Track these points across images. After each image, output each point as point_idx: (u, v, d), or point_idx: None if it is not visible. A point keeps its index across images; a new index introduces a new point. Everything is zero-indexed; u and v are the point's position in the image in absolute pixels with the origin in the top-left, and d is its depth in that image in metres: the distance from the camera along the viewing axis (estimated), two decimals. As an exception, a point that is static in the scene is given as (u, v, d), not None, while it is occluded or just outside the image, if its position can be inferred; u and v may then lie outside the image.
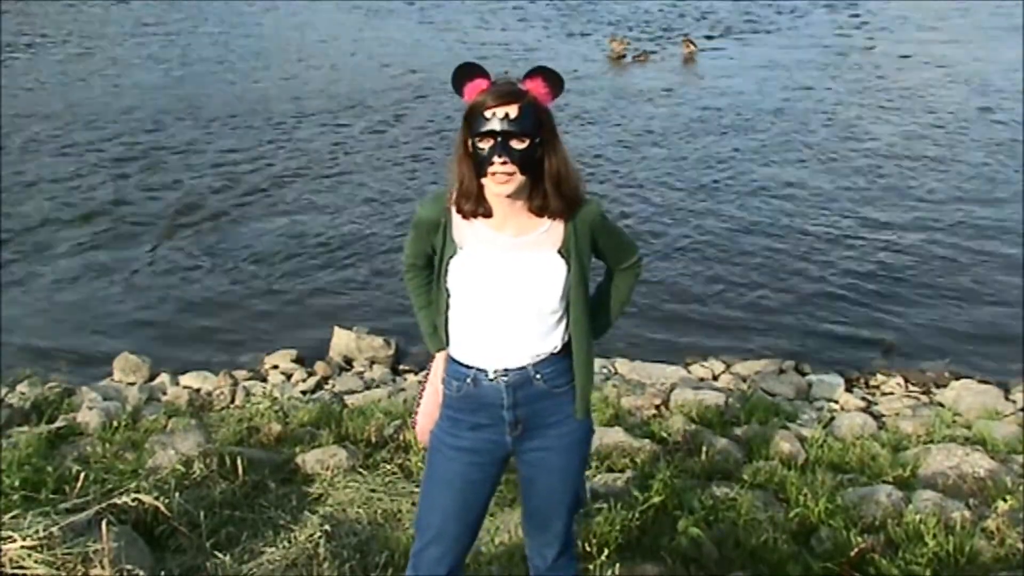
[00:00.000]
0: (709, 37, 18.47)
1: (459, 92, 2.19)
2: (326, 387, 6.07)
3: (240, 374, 6.22)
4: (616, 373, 6.01)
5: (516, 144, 2.12)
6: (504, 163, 2.11)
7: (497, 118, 2.11)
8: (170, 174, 10.31)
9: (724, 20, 20.55)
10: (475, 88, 2.16)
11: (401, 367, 6.51)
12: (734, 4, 22.16)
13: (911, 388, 6.16)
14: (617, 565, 3.12)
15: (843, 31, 19.51)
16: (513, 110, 2.11)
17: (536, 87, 2.16)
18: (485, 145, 2.12)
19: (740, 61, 16.57)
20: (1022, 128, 11.96)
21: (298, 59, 16.44)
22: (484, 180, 2.16)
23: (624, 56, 16.55)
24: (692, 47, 16.91)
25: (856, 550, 3.31)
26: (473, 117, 2.14)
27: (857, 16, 21.05)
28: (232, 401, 5.62)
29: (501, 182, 2.14)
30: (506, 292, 2.23)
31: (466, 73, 2.18)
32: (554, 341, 2.30)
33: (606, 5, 22.02)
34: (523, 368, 2.28)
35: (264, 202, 9.56)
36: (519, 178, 2.14)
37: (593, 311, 2.36)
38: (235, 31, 18.86)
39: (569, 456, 2.38)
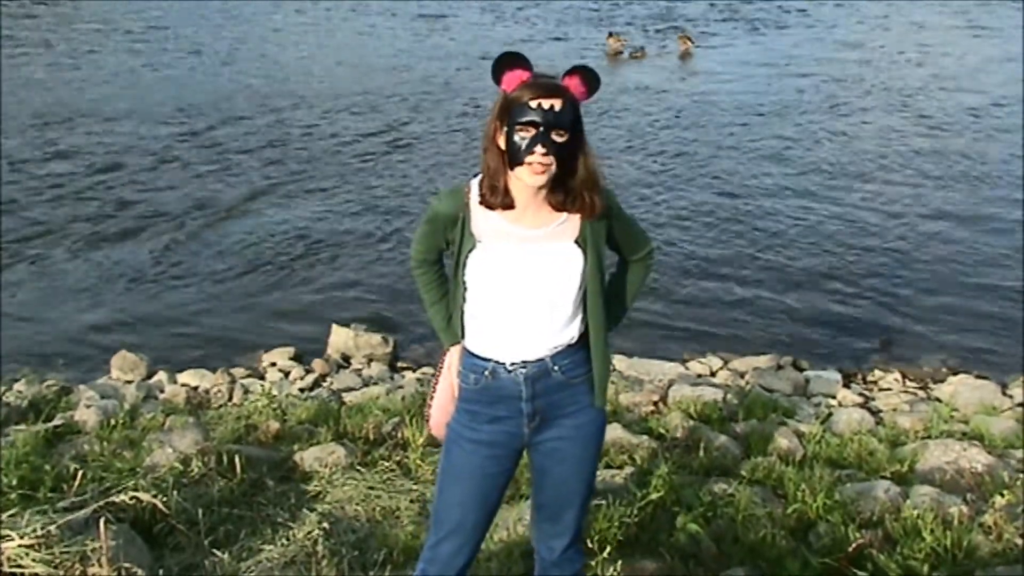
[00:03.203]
0: (705, 34, 18.46)
1: (497, 80, 2.19)
2: (324, 385, 6.06)
3: (238, 372, 6.22)
4: (614, 369, 6.01)
5: (556, 137, 2.13)
6: (545, 154, 2.12)
7: (543, 109, 2.12)
8: (167, 174, 10.29)
9: (721, 18, 20.56)
10: (516, 78, 2.17)
11: (399, 364, 6.51)
12: (730, 2, 22.16)
13: (908, 384, 6.17)
14: (619, 562, 3.13)
15: (839, 28, 19.51)
16: (558, 103, 2.13)
17: (575, 85, 2.19)
18: (526, 135, 2.13)
19: (737, 58, 16.58)
20: (1021, 125, 11.98)
21: (293, 58, 16.42)
22: (518, 169, 2.16)
23: (621, 53, 16.55)
24: (689, 43, 16.90)
25: (854, 545, 3.31)
26: (515, 106, 2.14)
27: (853, 14, 21.06)
28: (230, 399, 5.62)
29: (538, 172, 2.14)
30: (525, 284, 2.24)
31: (507, 62, 2.18)
32: (571, 332, 2.31)
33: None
34: (541, 360, 2.30)
35: (262, 200, 9.55)
36: (553, 170, 2.16)
37: (607, 301, 2.37)
38: (226, 31, 18.83)
39: (584, 446, 2.39)
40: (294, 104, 13.09)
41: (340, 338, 6.59)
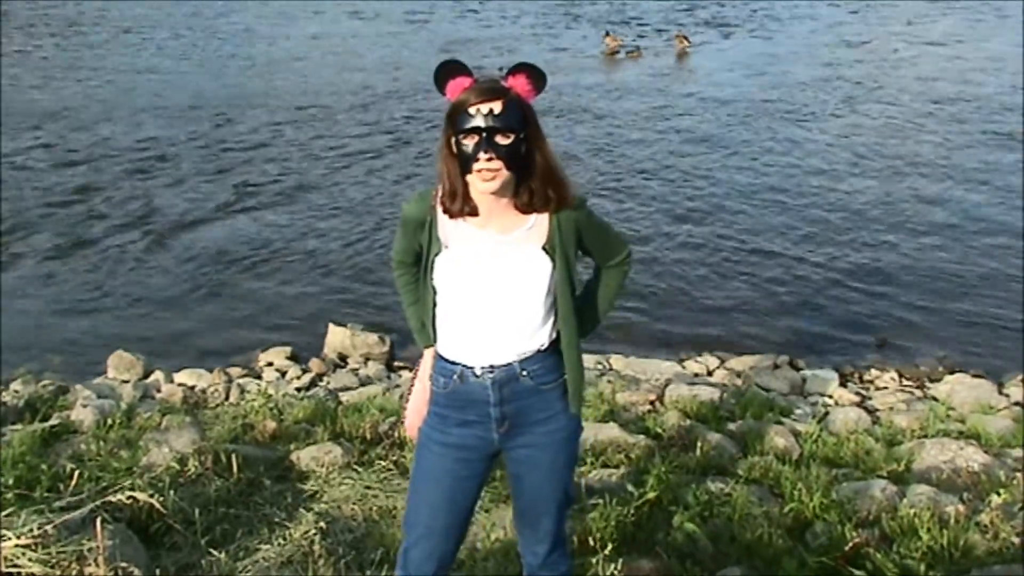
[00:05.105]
0: (701, 32, 18.47)
1: (441, 90, 2.18)
2: (321, 384, 6.05)
3: (235, 371, 6.21)
4: (611, 369, 6.01)
5: (501, 140, 2.11)
6: (490, 159, 2.10)
7: (481, 114, 2.10)
8: (164, 174, 10.28)
9: (719, 16, 20.57)
10: (458, 86, 2.15)
11: (396, 364, 6.50)
12: (729, 1, 22.18)
13: (905, 382, 6.17)
14: (620, 560, 3.13)
15: (835, 27, 19.53)
16: (497, 106, 2.11)
17: (519, 84, 2.16)
18: (470, 142, 2.11)
19: (733, 57, 16.59)
20: (1022, 123, 11.99)
21: (288, 57, 16.41)
22: (469, 177, 2.15)
23: (617, 52, 16.56)
24: (685, 43, 16.92)
25: (851, 544, 3.31)
26: (457, 114, 2.13)
27: (849, 12, 21.07)
28: (227, 398, 5.61)
29: (487, 179, 2.12)
30: (491, 289, 2.23)
31: (448, 71, 2.17)
32: (541, 338, 2.29)
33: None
34: (509, 365, 2.28)
35: (258, 200, 9.55)
36: (505, 174, 2.13)
37: (580, 309, 2.35)
38: (219, 31, 18.82)
39: (556, 453, 2.37)
40: (283, 105, 13.08)
41: (337, 337, 6.59)
